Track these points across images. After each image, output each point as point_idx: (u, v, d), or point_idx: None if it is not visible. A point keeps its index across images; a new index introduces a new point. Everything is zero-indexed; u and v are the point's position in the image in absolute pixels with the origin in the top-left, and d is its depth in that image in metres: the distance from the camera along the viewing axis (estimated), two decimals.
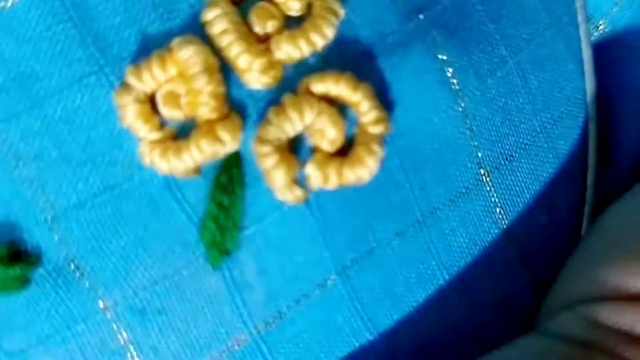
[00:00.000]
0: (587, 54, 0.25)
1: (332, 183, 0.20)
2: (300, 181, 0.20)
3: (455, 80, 0.22)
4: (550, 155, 0.24)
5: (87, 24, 0.19)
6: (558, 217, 0.24)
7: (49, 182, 0.19)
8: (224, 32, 0.19)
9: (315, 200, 0.20)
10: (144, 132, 0.19)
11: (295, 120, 0.20)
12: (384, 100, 0.21)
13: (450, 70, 0.21)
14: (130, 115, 0.19)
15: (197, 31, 0.20)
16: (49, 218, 0.19)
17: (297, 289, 0.21)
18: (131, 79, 0.19)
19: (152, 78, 0.19)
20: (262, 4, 0.20)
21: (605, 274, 0.22)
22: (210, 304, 0.20)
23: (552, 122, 0.24)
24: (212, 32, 0.19)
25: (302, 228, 0.20)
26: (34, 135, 0.19)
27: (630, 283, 0.21)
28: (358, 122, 0.20)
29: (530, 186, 0.23)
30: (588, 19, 0.25)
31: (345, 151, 0.20)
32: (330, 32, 0.20)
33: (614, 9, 0.26)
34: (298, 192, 0.20)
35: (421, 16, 0.21)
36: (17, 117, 0.19)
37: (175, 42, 0.19)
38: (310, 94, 0.20)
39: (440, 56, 0.21)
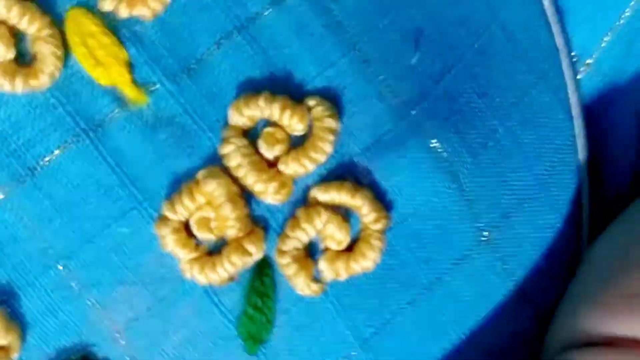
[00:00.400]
0: (574, 99, 0.28)
1: (342, 275, 0.24)
2: (315, 275, 0.24)
3: (449, 162, 0.25)
4: (546, 204, 0.27)
5: (123, 167, 0.23)
6: (558, 258, 0.27)
7: (109, 303, 0.23)
8: (239, 165, 0.23)
9: (331, 290, 0.24)
10: (183, 254, 0.23)
11: (308, 230, 0.23)
12: (385, 193, 0.24)
13: (445, 154, 0.25)
14: (170, 243, 0.23)
15: (217, 160, 0.23)
16: (113, 333, 0.23)
17: None
18: (167, 212, 0.23)
19: (184, 209, 0.23)
20: (269, 129, 0.23)
21: (588, 319, 0.25)
22: None
23: (545, 173, 0.27)
24: (229, 165, 0.23)
25: (322, 314, 0.24)
26: (91, 265, 0.23)
27: (612, 328, 0.24)
28: (361, 220, 0.24)
29: (529, 235, 0.27)
30: (576, 59, 0.28)
31: (352, 245, 0.24)
32: (328, 148, 0.23)
33: (600, 49, 0.28)
34: (315, 288, 0.24)
35: (413, 112, 0.24)
36: (76, 253, 0.23)
37: (200, 175, 0.23)
38: (318, 203, 0.23)
39: (433, 144, 0.24)
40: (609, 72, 0.29)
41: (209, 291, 0.23)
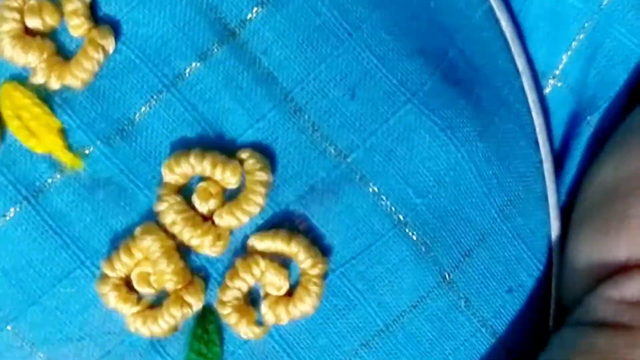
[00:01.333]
0: (538, 122, 0.27)
1: (284, 320, 0.24)
2: (259, 318, 0.24)
3: (393, 208, 0.25)
4: (510, 235, 0.26)
5: (64, 229, 0.24)
6: (526, 291, 0.27)
7: (59, 359, 0.24)
8: (174, 222, 0.24)
9: (277, 332, 0.25)
10: (126, 309, 0.24)
11: (247, 279, 0.24)
12: (322, 238, 0.24)
13: (384, 197, 0.25)
14: (112, 300, 0.24)
15: (154, 217, 0.24)
16: None
17: None
18: (106, 270, 0.24)
19: (122, 265, 0.24)
20: (202, 184, 0.24)
21: (616, 247, 0.25)
22: None
23: (508, 203, 0.26)
24: (164, 222, 0.24)
25: (269, 355, 0.25)
26: (39, 325, 0.24)
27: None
28: (299, 267, 0.24)
29: (493, 270, 0.26)
30: (541, 75, 0.28)
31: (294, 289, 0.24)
32: (260, 200, 0.24)
33: (562, 64, 0.28)
34: (257, 331, 0.24)
35: (349, 159, 0.24)
36: (24, 314, 0.24)
37: (136, 231, 0.24)
38: (257, 251, 0.24)
39: (372, 189, 0.25)
40: (574, 85, 0.28)
41: (154, 342, 0.24)
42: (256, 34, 0.24)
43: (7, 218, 0.24)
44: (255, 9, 0.24)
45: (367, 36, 0.24)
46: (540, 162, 0.27)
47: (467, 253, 0.26)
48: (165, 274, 0.24)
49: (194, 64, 0.24)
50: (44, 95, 0.24)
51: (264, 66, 0.24)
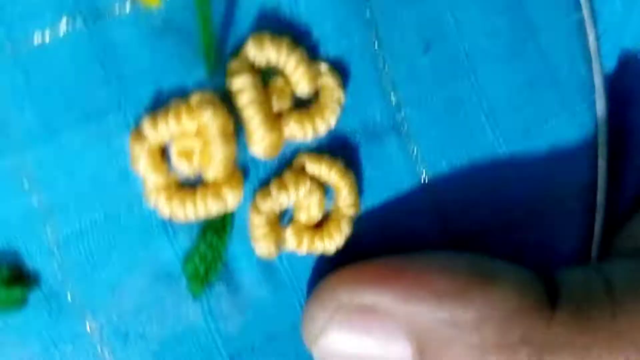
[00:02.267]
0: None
1: (303, 249, 0.22)
2: None
3: (424, 171, 0.24)
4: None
5: (114, 64, 0.20)
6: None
7: (57, 210, 0.20)
8: (250, 103, 0.21)
9: (286, 256, 0.23)
10: (152, 178, 0.21)
11: (291, 196, 0.22)
12: (358, 179, 0.23)
13: (419, 157, 0.24)
14: (142, 164, 0.20)
15: (217, 88, 0.21)
16: (52, 245, 0.20)
17: (269, 328, 0.23)
18: (147, 128, 0.20)
19: (167, 129, 0.20)
20: (280, 80, 0.22)
21: None
22: (189, 332, 0.22)
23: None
24: (240, 100, 0.21)
25: (273, 276, 0.23)
26: (48, 163, 0.20)
27: None
28: (335, 201, 0.23)
29: None
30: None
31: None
32: (333, 120, 0.22)
33: None
34: (273, 250, 0.22)
35: (402, 112, 0.23)
36: (36, 144, 0.20)
37: (195, 99, 0.21)
38: (302, 171, 0.22)
39: (412, 147, 0.23)
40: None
41: (166, 222, 0.21)
42: None
43: (54, 31, 0.20)
44: None
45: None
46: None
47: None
48: (214, 159, 0.21)
49: None
50: None
51: None
